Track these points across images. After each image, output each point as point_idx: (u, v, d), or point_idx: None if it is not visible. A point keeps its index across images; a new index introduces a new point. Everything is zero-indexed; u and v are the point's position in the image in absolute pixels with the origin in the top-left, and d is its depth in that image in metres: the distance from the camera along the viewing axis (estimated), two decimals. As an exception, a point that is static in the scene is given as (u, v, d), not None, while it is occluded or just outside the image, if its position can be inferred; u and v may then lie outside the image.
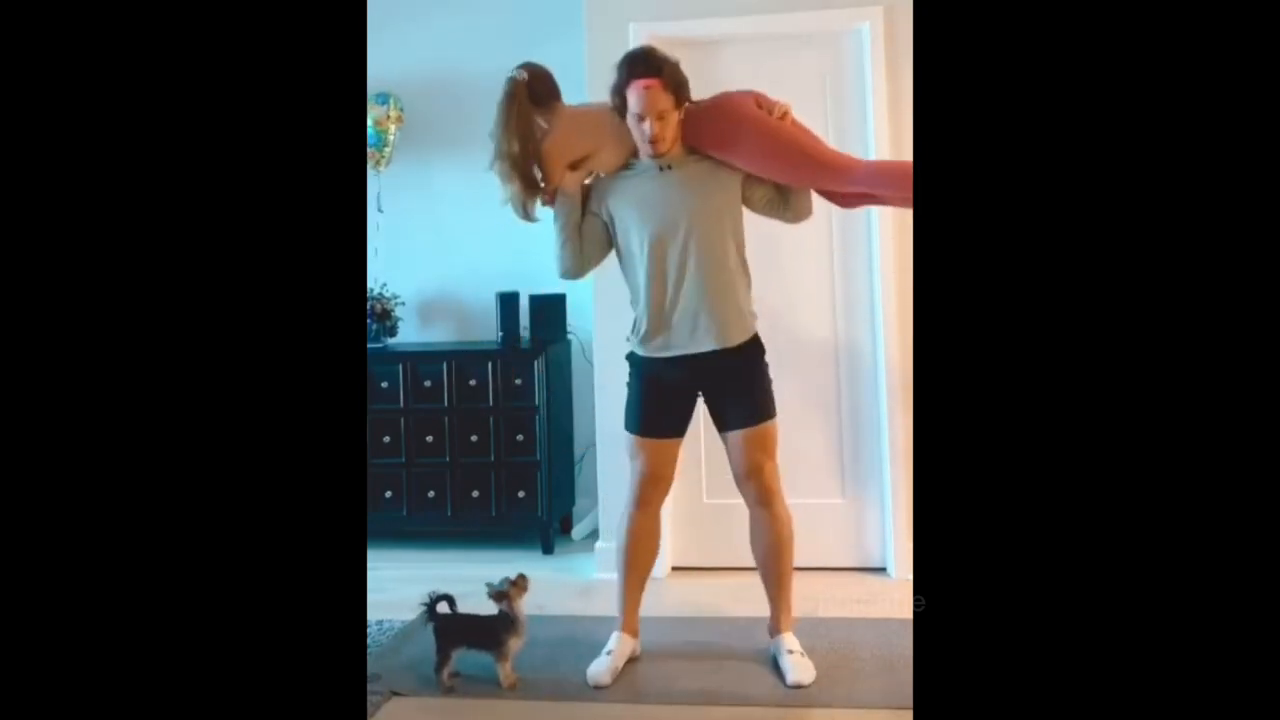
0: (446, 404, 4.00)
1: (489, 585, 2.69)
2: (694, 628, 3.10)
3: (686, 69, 2.68)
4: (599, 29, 3.63)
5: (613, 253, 2.80)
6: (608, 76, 2.67)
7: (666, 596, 3.35)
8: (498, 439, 3.97)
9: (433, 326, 4.42)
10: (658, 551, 2.88)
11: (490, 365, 3.99)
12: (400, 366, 4.03)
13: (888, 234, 3.52)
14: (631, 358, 2.80)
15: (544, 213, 2.76)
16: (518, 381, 3.97)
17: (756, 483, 2.74)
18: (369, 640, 3.03)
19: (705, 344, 2.67)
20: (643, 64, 2.60)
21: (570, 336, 4.19)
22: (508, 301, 4.07)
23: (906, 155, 3.38)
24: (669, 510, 3.48)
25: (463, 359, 4.04)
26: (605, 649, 2.78)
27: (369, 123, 4.10)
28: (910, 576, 3.39)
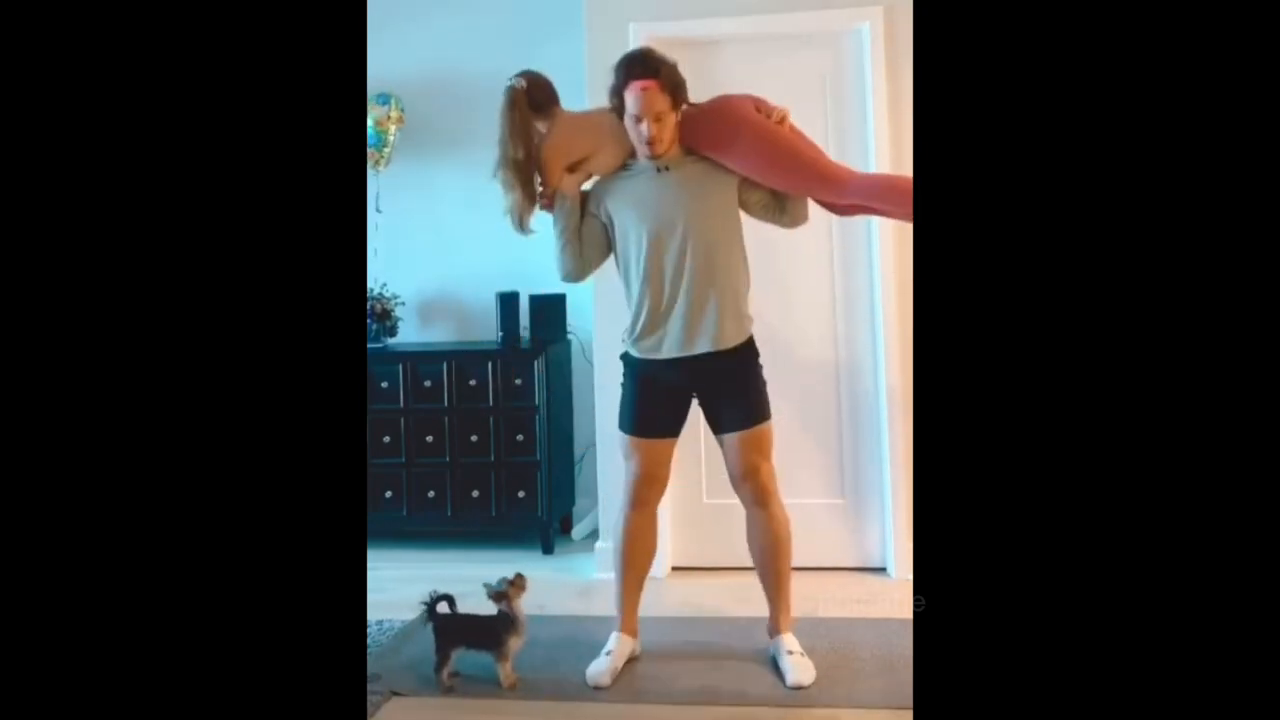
0: (446, 404, 4.01)
1: (487, 586, 2.69)
2: (694, 628, 3.10)
3: (686, 69, 2.68)
4: (599, 29, 3.63)
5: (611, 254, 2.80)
6: (607, 77, 2.67)
7: (666, 596, 3.35)
8: (498, 439, 3.98)
9: (433, 326, 4.42)
10: (655, 551, 2.88)
11: (490, 365, 3.99)
12: (400, 366, 4.03)
13: (888, 234, 3.52)
14: (626, 358, 2.80)
15: (542, 219, 2.76)
16: (518, 381, 3.97)
17: (753, 484, 2.74)
18: (369, 640, 3.03)
19: (700, 345, 2.66)
20: (640, 65, 2.60)
21: (570, 336, 4.19)
22: (508, 301, 4.07)
23: (906, 155, 3.39)
24: (669, 510, 3.50)
25: (463, 359, 4.04)
26: (604, 650, 2.78)
27: (369, 123, 4.10)
28: (910, 576, 3.39)
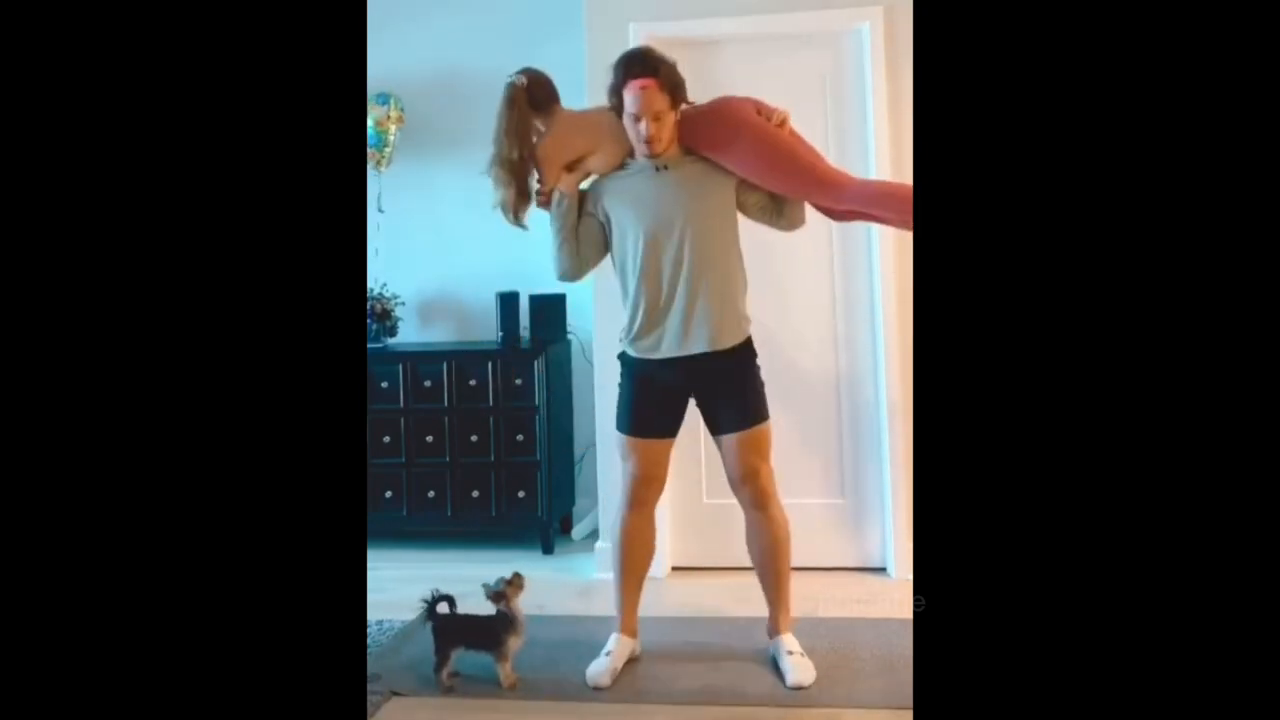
0: (446, 404, 4.00)
1: (485, 586, 2.69)
2: (694, 628, 3.10)
3: (686, 69, 2.68)
4: (599, 29, 3.63)
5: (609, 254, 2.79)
6: (607, 77, 2.67)
7: (666, 596, 3.35)
8: (498, 439, 3.97)
9: (433, 326, 4.42)
10: (654, 552, 2.87)
11: (490, 365, 3.99)
12: (400, 366, 4.03)
13: (888, 236, 3.51)
14: (623, 358, 2.80)
15: (537, 215, 2.75)
16: (518, 381, 3.97)
17: (752, 486, 2.73)
18: (369, 640, 3.03)
19: (697, 345, 2.66)
20: (639, 64, 2.60)
21: (570, 336, 4.19)
22: (508, 301, 4.07)
23: (906, 155, 3.39)
24: (668, 510, 3.49)
25: (463, 359, 4.04)
26: (604, 650, 2.78)
27: (369, 123, 4.10)
28: (910, 576, 3.39)
